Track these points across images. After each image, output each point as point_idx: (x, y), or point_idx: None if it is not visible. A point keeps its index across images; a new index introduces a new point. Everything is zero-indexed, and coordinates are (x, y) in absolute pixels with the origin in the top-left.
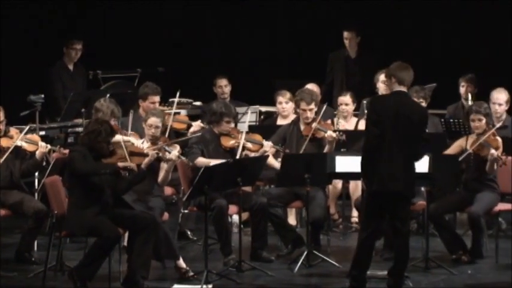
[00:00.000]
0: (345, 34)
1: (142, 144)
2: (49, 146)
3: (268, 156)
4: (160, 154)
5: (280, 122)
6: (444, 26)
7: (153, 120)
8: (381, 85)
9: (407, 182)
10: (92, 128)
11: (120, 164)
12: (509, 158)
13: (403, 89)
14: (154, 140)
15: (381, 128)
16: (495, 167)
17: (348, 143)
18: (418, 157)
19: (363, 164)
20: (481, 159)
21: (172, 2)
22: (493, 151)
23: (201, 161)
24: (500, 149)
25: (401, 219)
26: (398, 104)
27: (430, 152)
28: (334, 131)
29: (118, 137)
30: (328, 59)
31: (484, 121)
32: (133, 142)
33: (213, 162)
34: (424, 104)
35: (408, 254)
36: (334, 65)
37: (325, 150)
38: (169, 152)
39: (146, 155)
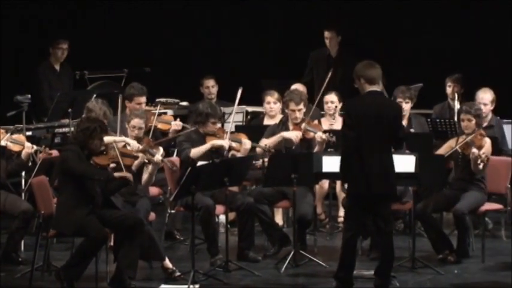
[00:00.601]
0: (326, 33)
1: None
2: (35, 147)
3: (254, 156)
4: (147, 156)
5: (267, 122)
6: (430, 26)
7: (136, 121)
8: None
9: (388, 182)
10: (86, 125)
11: (116, 174)
12: (495, 157)
13: (375, 87)
14: (137, 141)
15: (357, 131)
16: (480, 166)
17: (338, 143)
18: (399, 146)
19: (343, 168)
20: (468, 159)
21: (159, 2)
22: (474, 150)
23: (195, 151)
24: (486, 148)
25: (384, 219)
26: (373, 105)
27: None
28: (324, 131)
29: (109, 138)
30: (308, 58)
31: (473, 121)
32: (129, 142)
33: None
34: (410, 104)
35: (393, 253)
36: (315, 64)
37: (315, 150)
38: (153, 155)
39: (136, 157)
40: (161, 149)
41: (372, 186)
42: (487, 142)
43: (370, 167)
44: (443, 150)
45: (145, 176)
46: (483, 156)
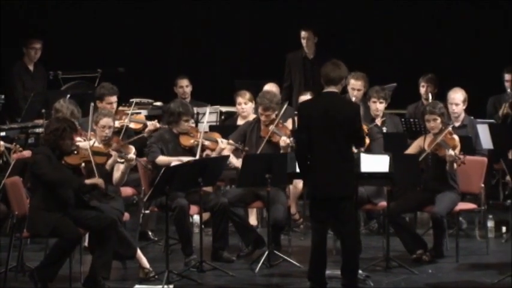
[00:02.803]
0: (302, 34)
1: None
2: (6, 145)
3: (228, 156)
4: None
5: (240, 122)
6: (403, 27)
7: (105, 120)
8: (353, 92)
9: (344, 183)
10: (55, 126)
11: (88, 181)
12: (469, 157)
13: (333, 88)
14: (107, 141)
15: (311, 133)
16: (455, 166)
17: None
18: (362, 146)
19: (300, 171)
20: (439, 159)
21: (133, 2)
22: (450, 151)
23: (162, 159)
24: (458, 148)
25: (344, 220)
26: (326, 106)
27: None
28: (291, 131)
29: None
30: (285, 61)
31: (439, 121)
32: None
33: (174, 160)
34: (383, 105)
35: (355, 253)
36: (292, 66)
37: (282, 151)
38: (126, 154)
39: (109, 155)
40: (133, 148)
41: (326, 187)
42: (456, 139)
43: (323, 168)
44: (412, 149)
45: (116, 175)
46: (462, 157)
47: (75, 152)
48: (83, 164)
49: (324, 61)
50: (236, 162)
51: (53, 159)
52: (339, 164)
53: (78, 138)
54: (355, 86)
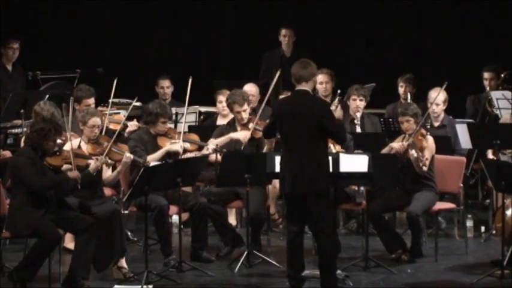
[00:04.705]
0: (283, 31)
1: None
2: None
3: (208, 155)
4: (109, 161)
5: (220, 121)
6: (383, 27)
7: (94, 120)
8: (319, 86)
9: (315, 181)
10: (41, 125)
11: (69, 173)
12: (447, 157)
13: (304, 86)
14: (96, 141)
15: (281, 131)
16: (424, 168)
17: None
18: (342, 142)
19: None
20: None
21: (113, 2)
22: (412, 151)
23: (151, 157)
24: (429, 150)
25: (315, 218)
26: (296, 104)
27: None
28: None
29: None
30: (262, 59)
31: (412, 121)
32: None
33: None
34: (363, 103)
35: (330, 251)
36: (270, 64)
37: (264, 150)
38: (120, 153)
39: (90, 157)
40: (126, 147)
41: (298, 185)
42: (429, 141)
43: (295, 166)
44: (386, 150)
45: (107, 174)
46: (423, 159)
47: (57, 153)
48: (65, 166)
49: None
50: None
51: (36, 162)
52: (312, 161)
53: (59, 141)
54: (323, 79)
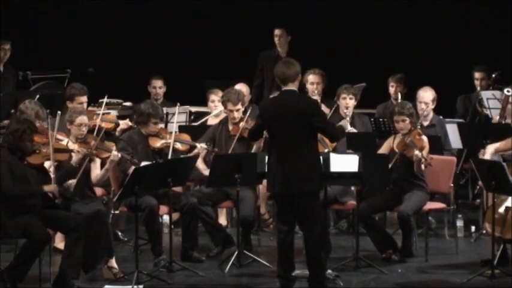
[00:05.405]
0: (276, 31)
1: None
2: None
3: (198, 155)
4: (94, 153)
5: (211, 121)
6: (373, 27)
7: (81, 118)
8: (309, 86)
9: (304, 181)
10: (15, 127)
11: (45, 188)
12: (437, 156)
13: (290, 87)
14: (83, 140)
15: (269, 132)
16: (422, 167)
17: None
18: (334, 138)
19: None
20: (408, 159)
21: (102, 2)
22: (417, 152)
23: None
24: (426, 149)
25: (303, 217)
26: (283, 104)
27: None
28: None
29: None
30: (258, 58)
31: (408, 121)
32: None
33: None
34: (354, 102)
35: (317, 251)
36: (265, 64)
37: (253, 149)
38: (107, 151)
39: (71, 151)
40: (113, 144)
41: (286, 185)
42: (425, 140)
43: (287, 166)
44: (383, 149)
45: (96, 172)
46: (428, 159)
47: (37, 152)
48: (56, 163)
49: (296, 60)
50: (204, 169)
51: (14, 167)
52: (302, 161)
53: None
54: (314, 80)
